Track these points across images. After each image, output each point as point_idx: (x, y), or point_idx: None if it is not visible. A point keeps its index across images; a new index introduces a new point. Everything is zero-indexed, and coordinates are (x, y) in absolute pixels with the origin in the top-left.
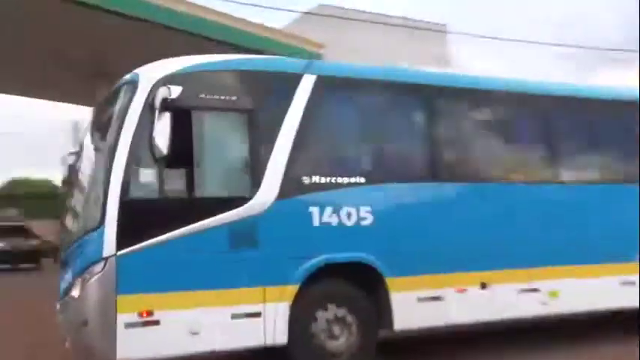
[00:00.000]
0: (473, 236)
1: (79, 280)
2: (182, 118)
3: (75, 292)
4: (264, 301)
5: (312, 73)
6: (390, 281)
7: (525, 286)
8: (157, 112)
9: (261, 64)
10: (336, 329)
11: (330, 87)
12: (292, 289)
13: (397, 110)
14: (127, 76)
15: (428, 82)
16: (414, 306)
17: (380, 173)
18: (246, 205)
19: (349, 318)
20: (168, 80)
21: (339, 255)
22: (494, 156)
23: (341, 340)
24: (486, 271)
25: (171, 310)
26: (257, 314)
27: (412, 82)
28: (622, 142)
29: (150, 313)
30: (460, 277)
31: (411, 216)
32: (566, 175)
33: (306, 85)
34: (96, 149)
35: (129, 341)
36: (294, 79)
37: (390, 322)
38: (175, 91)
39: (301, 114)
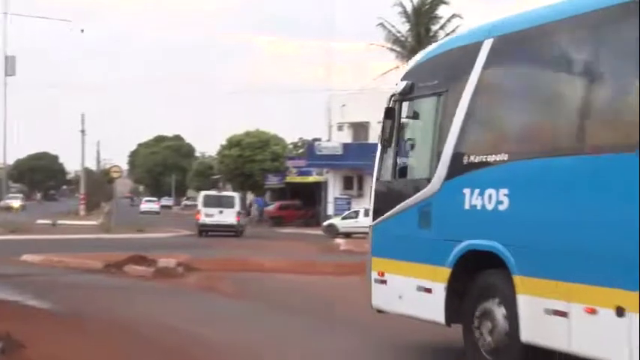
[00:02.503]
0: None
1: None
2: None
3: None
4: (434, 279)
5: (490, 37)
6: (519, 280)
7: None
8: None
9: (445, 45)
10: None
11: (500, 49)
12: (447, 272)
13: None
14: None
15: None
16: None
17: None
18: (427, 187)
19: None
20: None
21: (478, 242)
22: None
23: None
24: (628, 290)
25: (392, 274)
26: (429, 290)
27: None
28: None
29: (382, 274)
30: (591, 292)
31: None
32: None
33: (482, 54)
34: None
35: (376, 294)
36: (474, 51)
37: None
38: (401, 85)
39: (472, 88)
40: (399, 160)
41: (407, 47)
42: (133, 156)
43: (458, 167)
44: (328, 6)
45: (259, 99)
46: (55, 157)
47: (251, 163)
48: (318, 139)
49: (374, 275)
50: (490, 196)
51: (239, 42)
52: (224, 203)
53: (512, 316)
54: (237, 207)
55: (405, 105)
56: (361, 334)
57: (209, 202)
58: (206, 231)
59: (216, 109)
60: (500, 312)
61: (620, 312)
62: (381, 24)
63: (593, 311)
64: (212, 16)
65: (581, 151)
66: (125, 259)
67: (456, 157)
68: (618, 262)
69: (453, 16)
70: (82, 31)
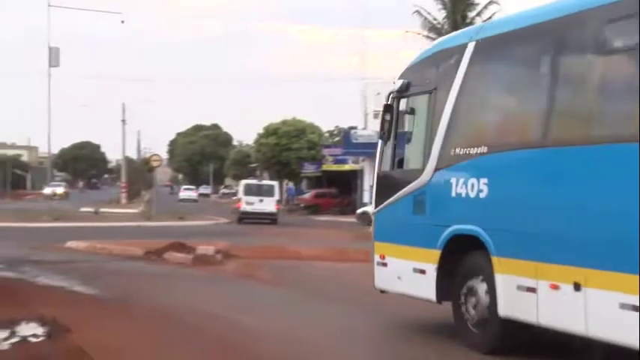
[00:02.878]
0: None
1: None
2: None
3: None
4: (427, 261)
5: (472, 40)
6: (497, 261)
7: (631, 299)
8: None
9: (437, 46)
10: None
11: (480, 51)
12: (437, 254)
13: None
14: None
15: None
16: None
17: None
18: (420, 177)
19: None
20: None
21: (462, 227)
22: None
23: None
24: (582, 267)
25: (391, 257)
26: (423, 271)
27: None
28: None
29: (383, 257)
30: (555, 270)
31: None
32: None
33: (466, 56)
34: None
35: (378, 275)
36: (460, 53)
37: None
38: (397, 83)
39: (458, 87)
40: (397, 153)
41: (443, 34)
42: (172, 145)
43: (445, 159)
44: None
45: (295, 88)
46: (97, 147)
47: (287, 151)
48: (354, 128)
49: (376, 258)
50: (472, 185)
51: (273, 31)
52: (264, 192)
53: (492, 293)
54: (277, 196)
55: (402, 102)
56: (391, 319)
57: (250, 190)
58: (246, 218)
59: (253, 98)
60: (482, 289)
61: (577, 287)
62: (417, 11)
63: (556, 287)
64: (246, 6)
65: (544, 144)
66: (165, 247)
67: (444, 149)
68: (575, 243)
69: (490, 2)
70: (123, 22)
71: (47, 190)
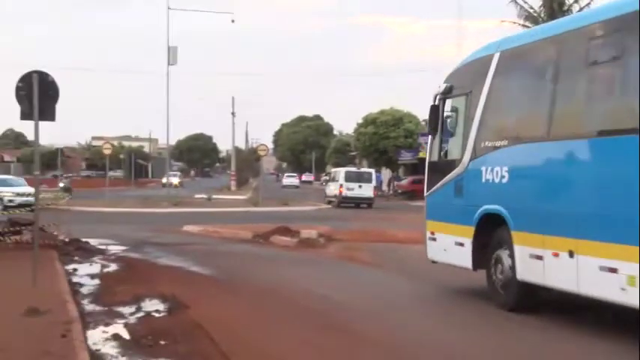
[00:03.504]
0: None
1: None
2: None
3: None
4: (465, 235)
5: (497, 51)
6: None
7: (607, 262)
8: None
9: (473, 55)
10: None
11: (503, 60)
12: (472, 230)
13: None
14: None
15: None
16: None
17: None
18: (460, 166)
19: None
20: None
21: (490, 207)
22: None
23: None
24: (574, 238)
25: (439, 233)
26: (462, 244)
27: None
28: None
29: (433, 233)
30: (555, 241)
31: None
32: None
33: (493, 64)
34: None
35: (430, 249)
36: (488, 62)
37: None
38: (442, 87)
39: (487, 91)
40: (442, 146)
41: (540, 23)
42: (277, 135)
43: (478, 151)
44: None
45: (393, 78)
46: (210, 138)
47: (385, 140)
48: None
49: (428, 234)
50: (497, 172)
51: (370, 24)
52: (363, 178)
53: (512, 261)
54: (374, 182)
55: (447, 102)
56: (451, 288)
57: (350, 177)
58: (346, 202)
59: (353, 89)
60: (506, 257)
61: (571, 254)
62: (513, 1)
63: (556, 255)
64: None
65: (548, 138)
66: (271, 231)
67: (477, 142)
68: (569, 219)
69: None
70: (233, 21)
71: (165, 180)
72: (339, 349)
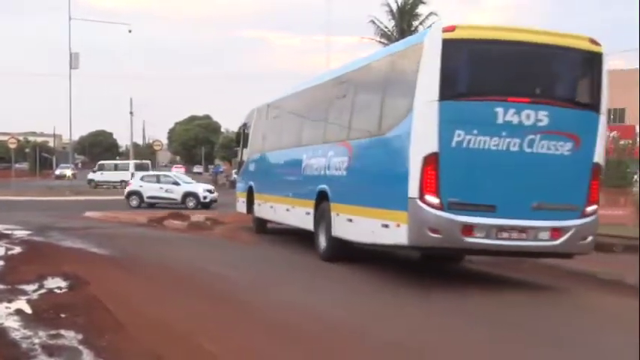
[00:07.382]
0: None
1: None
2: None
3: None
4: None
5: (258, 107)
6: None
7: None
8: None
9: (255, 108)
10: None
11: (262, 111)
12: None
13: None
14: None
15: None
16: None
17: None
18: (245, 162)
19: None
20: None
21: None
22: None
23: None
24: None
25: (241, 198)
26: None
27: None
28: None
29: (239, 199)
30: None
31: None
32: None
33: (261, 114)
34: None
35: (239, 205)
36: (259, 110)
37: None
38: (245, 121)
39: (253, 126)
40: (243, 152)
41: (393, 40)
42: (171, 132)
43: (250, 155)
44: (325, 6)
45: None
46: (111, 134)
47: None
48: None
49: (239, 200)
50: (252, 166)
51: (254, 38)
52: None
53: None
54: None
55: (246, 129)
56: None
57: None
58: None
59: (239, 92)
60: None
61: (350, 218)
62: (372, 21)
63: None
64: (226, 16)
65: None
66: (165, 216)
67: (249, 152)
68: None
69: (431, 14)
70: (130, 31)
71: (58, 172)
72: (224, 315)
